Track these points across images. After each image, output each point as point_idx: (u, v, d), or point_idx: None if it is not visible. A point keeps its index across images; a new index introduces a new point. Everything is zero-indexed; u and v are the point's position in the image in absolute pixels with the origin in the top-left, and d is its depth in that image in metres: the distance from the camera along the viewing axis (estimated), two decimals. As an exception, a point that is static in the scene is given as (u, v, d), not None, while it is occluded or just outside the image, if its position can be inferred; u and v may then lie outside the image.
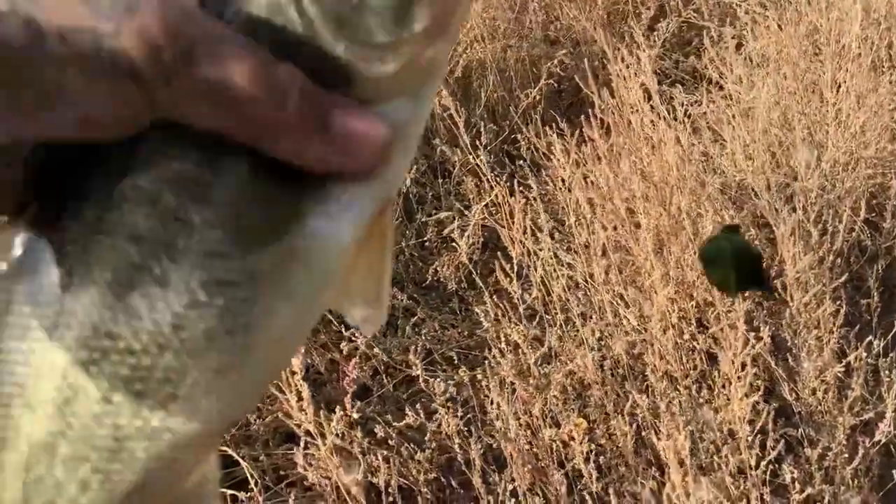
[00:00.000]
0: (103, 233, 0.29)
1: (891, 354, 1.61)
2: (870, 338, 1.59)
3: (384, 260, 0.33)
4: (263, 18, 0.29)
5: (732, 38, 2.23)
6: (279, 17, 0.29)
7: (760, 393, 1.50)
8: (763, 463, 1.42)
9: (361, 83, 0.30)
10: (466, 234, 2.01)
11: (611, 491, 1.45)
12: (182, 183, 0.29)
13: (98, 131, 0.28)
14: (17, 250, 0.29)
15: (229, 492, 1.47)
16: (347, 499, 1.39)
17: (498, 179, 1.95)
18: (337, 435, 1.35)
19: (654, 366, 1.57)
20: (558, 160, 1.81)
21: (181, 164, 0.29)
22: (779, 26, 2.20)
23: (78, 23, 0.27)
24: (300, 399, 1.25)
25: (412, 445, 1.55)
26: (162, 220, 0.29)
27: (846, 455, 1.50)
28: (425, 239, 2.25)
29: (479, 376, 1.65)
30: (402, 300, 1.98)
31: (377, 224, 0.32)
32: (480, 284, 1.82)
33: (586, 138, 1.87)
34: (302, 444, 1.31)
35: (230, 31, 0.28)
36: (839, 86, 1.96)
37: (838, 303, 1.61)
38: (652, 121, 1.84)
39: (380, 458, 1.43)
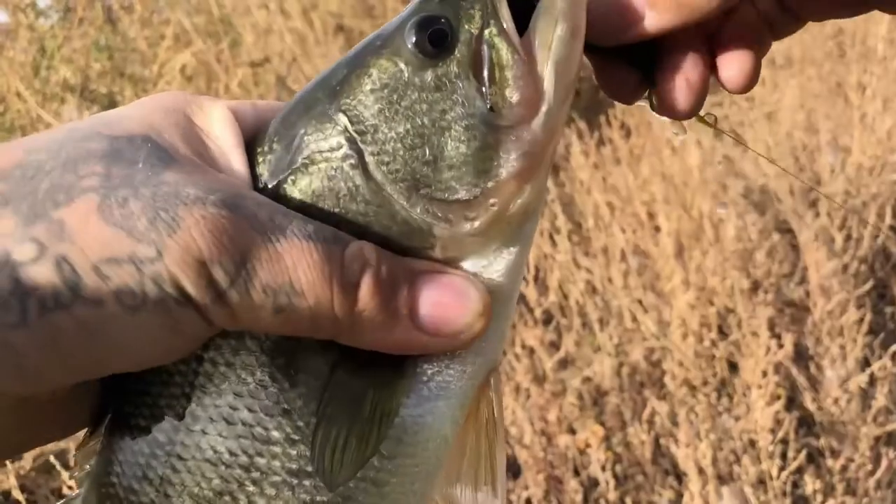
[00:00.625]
0: (179, 456, 0.26)
1: (916, 364, 1.57)
2: (894, 346, 1.55)
3: (495, 440, 0.29)
4: (324, 186, 0.25)
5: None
6: (342, 183, 0.25)
7: (782, 402, 1.46)
8: (784, 473, 1.39)
9: (443, 244, 0.26)
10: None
11: (628, 500, 1.42)
12: (257, 394, 0.25)
13: (155, 361, 0.25)
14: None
15: None
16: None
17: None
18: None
19: (673, 373, 1.54)
20: (577, 161, 1.78)
21: (253, 375, 0.26)
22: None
23: (115, 253, 0.23)
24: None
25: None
26: (240, 440, 0.25)
27: (869, 466, 1.47)
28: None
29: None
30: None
31: (481, 400, 0.29)
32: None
33: (605, 140, 1.84)
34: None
35: (285, 216, 0.25)
36: (865, 89, 1.92)
37: (862, 310, 1.57)
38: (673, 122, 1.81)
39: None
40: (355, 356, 0.26)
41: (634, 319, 1.66)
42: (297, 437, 0.25)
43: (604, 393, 1.62)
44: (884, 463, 1.47)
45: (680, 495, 1.42)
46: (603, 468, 1.44)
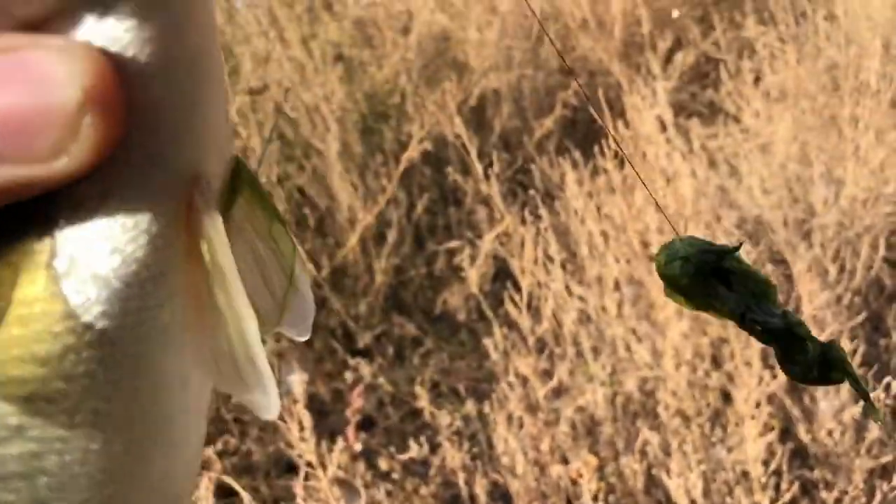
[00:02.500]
0: None
1: (910, 396, 1.57)
2: (888, 378, 1.54)
3: (234, 298, 0.19)
4: None
5: (750, 71, 2.21)
6: None
7: (775, 433, 1.46)
8: (778, 506, 1.38)
9: None
10: (477, 263, 1.99)
11: (620, 531, 1.41)
12: None
13: None
14: None
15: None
16: (348, 533, 1.36)
17: (510, 209, 1.93)
18: (339, 466, 1.32)
19: (667, 403, 1.54)
20: (571, 191, 1.79)
21: None
22: (797, 61, 2.18)
23: None
24: (302, 429, 1.22)
25: (416, 479, 1.52)
26: None
27: (863, 499, 1.46)
28: (435, 268, 2.23)
29: (487, 409, 1.62)
30: (410, 330, 1.95)
31: (188, 242, 0.19)
32: (490, 315, 1.79)
33: (600, 169, 1.85)
34: (302, 474, 1.27)
35: None
36: (858, 122, 1.94)
37: (856, 342, 1.57)
38: (667, 153, 1.82)
39: (382, 491, 1.40)
40: None
41: (628, 349, 1.66)
42: None
43: (597, 422, 1.61)
44: (878, 495, 1.46)
45: (673, 527, 1.41)
46: (595, 498, 1.43)
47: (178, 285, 0.19)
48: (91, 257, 0.17)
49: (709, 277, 0.30)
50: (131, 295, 0.18)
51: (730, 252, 0.30)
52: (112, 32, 0.16)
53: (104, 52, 0.16)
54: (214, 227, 0.18)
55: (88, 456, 0.19)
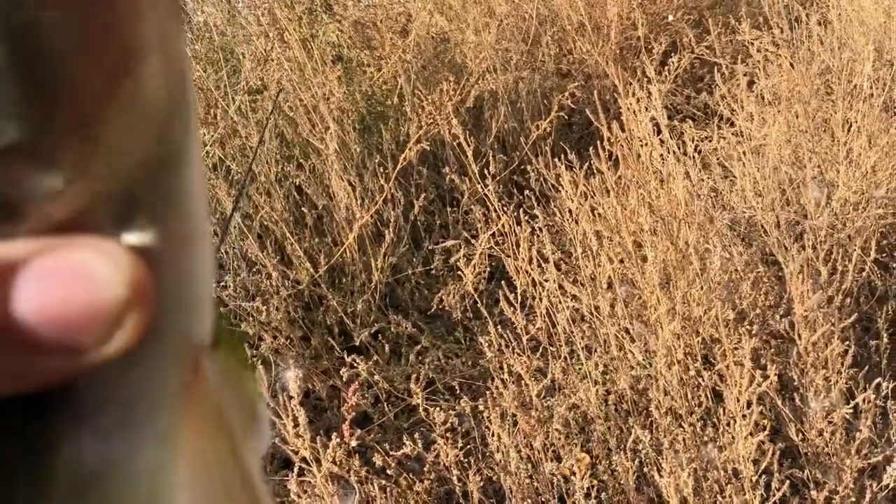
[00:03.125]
0: None
1: (900, 397, 1.58)
2: (878, 379, 1.56)
3: (238, 446, 0.21)
4: None
5: (744, 75, 2.23)
6: None
7: (766, 432, 1.47)
8: (767, 504, 1.39)
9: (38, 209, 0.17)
10: (473, 263, 2.01)
11: (611, 528, 1.42)
12: None
13: None
14: None
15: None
16: (343, 528, 1.37)
17: (505, 209, 1.95)
18: (334, 462, 1.33)
19: (659, 401, 1.55)
20: (566, 192, 1.80)
21: None
22: (791, 65, 2.20)
23: None
24: (296, 425, 1.23)
25: (411, 476, 1.53)
26: None
27: (853, 499, 1.47)
28: (431, 267, 2.24)
29: (481, 407, 1.63)
30: (406, 328, 1.97)
31: (196, 401, 0.20)
32: (485, 314, 1.81)
33: (595, 171, 1.87)
34: (296, 470, 1.29)
35: None
36: (850, 125, 1.95)
37: (847, 343, 1.58)
38: (661, 155, 1.84)
39: (376, 487, 1.41)
40: None
41: (621, 348, 1.67)
42: None
43: (590, 420, 1.63)
44: (868, 495, 1.47)
45: (664, 524, 1.42)
46: (587, 495, 1.44)
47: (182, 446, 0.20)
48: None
49: None
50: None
51: None
52: (133, 238, 0.18)
53: (135, 250, 0.18)
54: (220, 385, 0.21)
55: None
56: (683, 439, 1.51)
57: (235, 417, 0.22)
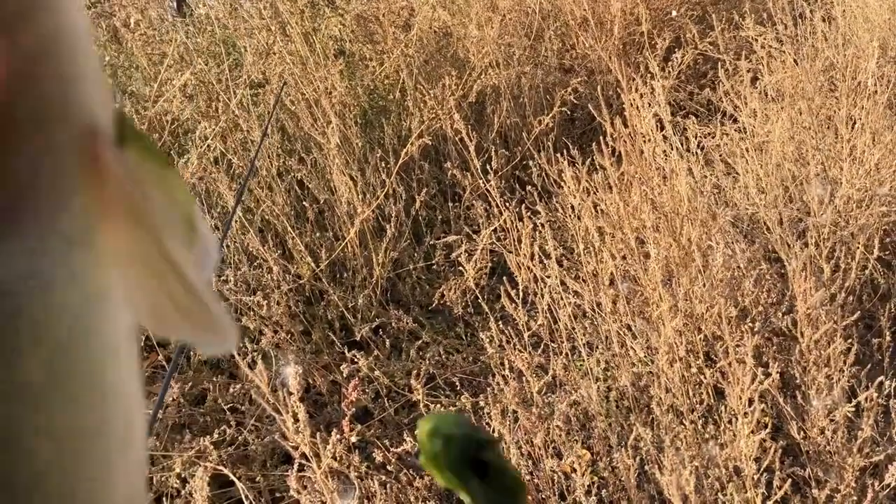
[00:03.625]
0: None
1: (902, 395, 1.58)
2: (881, 378, 1.55)
3: (163, 242, 0.19)
4: None
5: (748, 71, 2.22)
6: None
7: (768, 430, 1.47)
8: (769, 502, 1.39)
9: None
10: (474, 258, 2.00)
11: (612, 525, 1.42)
12: None
13: None
14: None
15: (224, 512, 1.45)
16: (343, 523, 1.37)
17: (507, 205, 1.94)
18: (334, 458, 1.33)
19: (660, 399, 1.54)
20: (569, 187, 1.80)
21: None
22: (794, 61, 2.19)
23: None
24: (296, 420, 1.23)
25: (411, 472, 1.53)
26: None
27: (854, 497, 1.46)
28: (433, 262, 2.24)
29: (482, 403, 1.63)
30: (407, 323, 1.96)
31: (105, 211, 0.19)
32: (486, 310, 1.80)
33: (597, 166, 1.86)
34: (296, 466, 1.28)
35: None
36: (854, 122, 1.95)
37: (849, 341, 1.58)
38: (664, 151, 1.83)
39: (376, 483, 1.41)
40: None
41: (623, 345, 1.67)
42: None
43: (591, 417, 1.62)
44: (869, 494, 1.46)
45: (664, 522, 1.42)
46: (588, 492, 1.44)
47: (101, 248, 0.19)
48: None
49: (466, 463, 0.30)
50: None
51: (490, 445, 0.30)
52: None
53: None
54: (131, 175, 0.19)
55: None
56: (685, 437, 1.50)
57: (165, 224, 0.20)
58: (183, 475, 1.45)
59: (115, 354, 0.19)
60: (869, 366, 1.64)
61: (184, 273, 0.20)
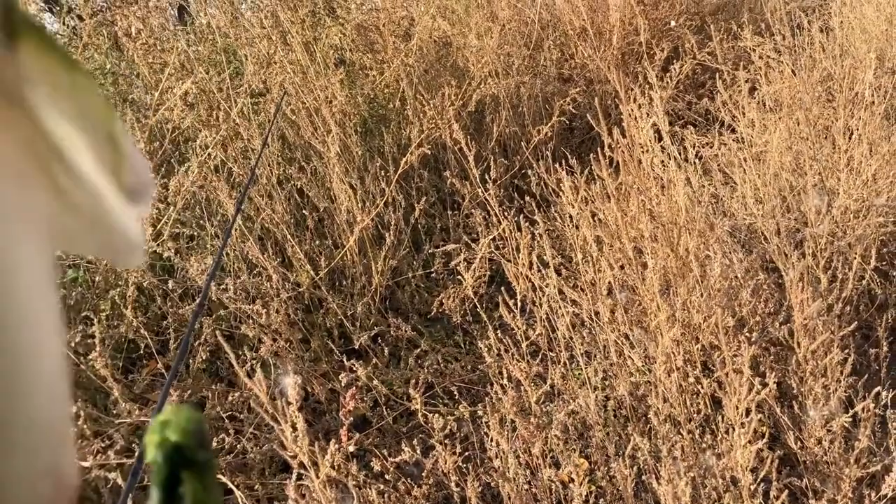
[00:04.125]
0: None
1: (899, 406, 1.58)
2: (878, 388, 1.56)
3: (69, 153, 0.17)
4: None
5: (746, 82, 2.23)
6: None
7: (765, 440, 1.47)
8: (766, 512, 1.39)
9: None
10: (473, 267, 2.01)
11: (609, 535, 1.42)
12: None
13: None
14: None
15: (222, 520, 1.45)
16: (341, 532, 1.37)
17: (506, 214, 1.95)
18: (332, 467, 1.33)
19: (658, 408, 1.55)
20: (567, 197, 1.80)
21: None
22: (792, 72, 2.20)
23: None
24: (295, 430, 1.23)
25: (409, 481, 1.53)
26: None
27: (851, 508, 1.47)
28: (432, 270, 2.24)
29: (480, 412, 1.63)
30: (406, 331, 1.97)
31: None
32: (485, 318, 1.81)
33: (596, 176, 1.87)
34: (294, 475, 1.29)
35: None
36: (852, 133, 1.95)
37: (846, 351, 1.58)
38: (662, 161, 1.84)
39: (374, 492, 1.41)
40: None
41: (621, 354, 1.67)
42: None
43: (589, 427, 1.63)
44: (866, 504, 1.47)
45: (661, 531, 1.42)
46: (585, 502, 1.44)
47: None
48: None
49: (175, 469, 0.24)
50: None
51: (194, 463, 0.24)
52: None
53: None
54: (22, 78, 0.16)
55: None
56: (682, 446, 1.50)
57: (74, 141, 0.18)
58: (181, 483, 1.44)
59: (16, 274, 0.17)
60: (866, 376, 1.64)
61: (89, 189, 0.17)
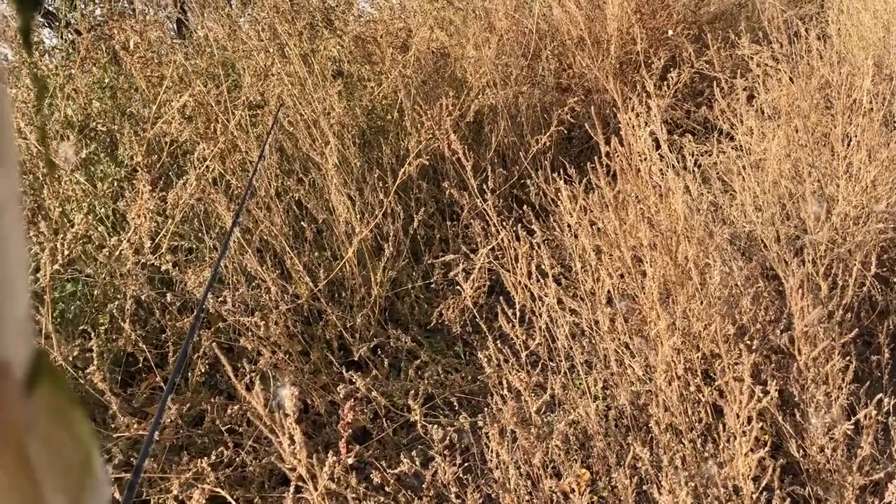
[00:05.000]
0: None
1: (901, 413, 1.57)
2: (880, 395, 1.55)
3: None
4: None
5: (744, 89, 2.23)
6: None
7: (767, 449, 1.46)
8: (768, 522, 1.38)
9: None
10: (472, 277, 2.00)
11: (611, 546, 1.41)
12: None
13: None
14: None
15: (221, 534, 1.44)
16: (340, 545, 1.36)
17: (505, 224, 1.94)
18: (331, 479, 1.32)
19: (659, 418, 1.54)
20: (566, 206, 1.80)
21: None
22: (790, 79, 2.20)
23: None
24: (292, 443, 1.22)
25: (409, 493, 1.52)
26: None
27: (855, 516, 1.46)
28: (431, 281, 2.24)
29: (480, 423, 1.62)
30: (405, 342, 1.96)
31: None
32: (485, 329, 1.80)
33: (594, 185, 1.86)
34: (293, 488, 1.28)
35: None
36: (850, 140, 1.95)
37: (848, 358, 1.57)
38: (661, 169, 1.84)
39: (374, 504, 1.40)
40: None
41: (621, 363, 1.66)
42: None
43: (590, 437, 1.62)
44: (869, 512, 1.46)
45: (664, 542, 1.41)
46: (586, 513, 1.43)
47: None
48: None
49: None
50: None
51: None
52: None
53: None
54: (29, 419, 0.20)
55: None
56: (683, 456, 1.49)
57: (61, 465, 0.21)
58: (180, 497, 1.44)
59: None
60: (868, 383, 1.64)
61: None
